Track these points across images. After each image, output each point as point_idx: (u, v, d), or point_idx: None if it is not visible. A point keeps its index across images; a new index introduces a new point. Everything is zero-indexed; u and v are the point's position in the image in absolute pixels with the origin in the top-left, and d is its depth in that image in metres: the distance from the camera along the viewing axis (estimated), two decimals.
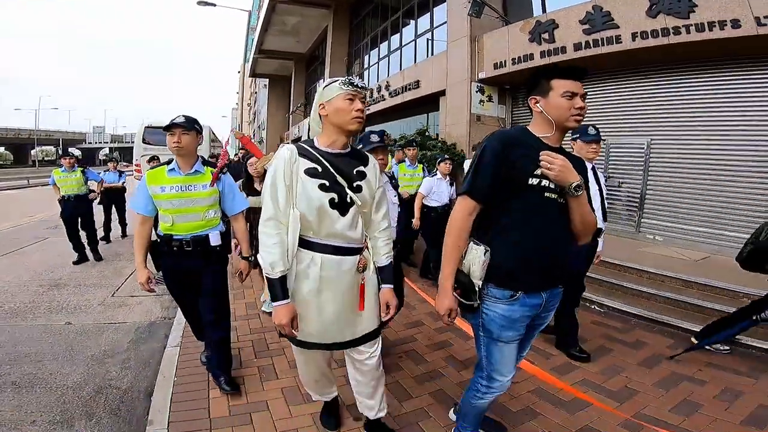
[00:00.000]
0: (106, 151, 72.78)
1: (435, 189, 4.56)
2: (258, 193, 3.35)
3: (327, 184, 1.60)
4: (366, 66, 15.20)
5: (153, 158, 7.03)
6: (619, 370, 2.81)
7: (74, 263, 5.54)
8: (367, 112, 7.71)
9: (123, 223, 7.43)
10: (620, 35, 5.22)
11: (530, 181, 1.51)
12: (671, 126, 5.38)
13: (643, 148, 5.61)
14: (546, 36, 6.16)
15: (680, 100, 5.28)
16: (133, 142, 11.15)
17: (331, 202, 1.61)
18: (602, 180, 2.91)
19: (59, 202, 5.58)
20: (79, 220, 5.64)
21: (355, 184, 1.66)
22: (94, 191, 6.00)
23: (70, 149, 6.60)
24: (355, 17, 15.85)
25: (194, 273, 2.46)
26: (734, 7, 4.29)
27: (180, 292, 2.57)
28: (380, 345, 1.88)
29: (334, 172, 1.61)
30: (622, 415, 2.19)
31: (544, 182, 1.51)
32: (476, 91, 7.57)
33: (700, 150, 5.13)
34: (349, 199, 1.64)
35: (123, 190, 7.33)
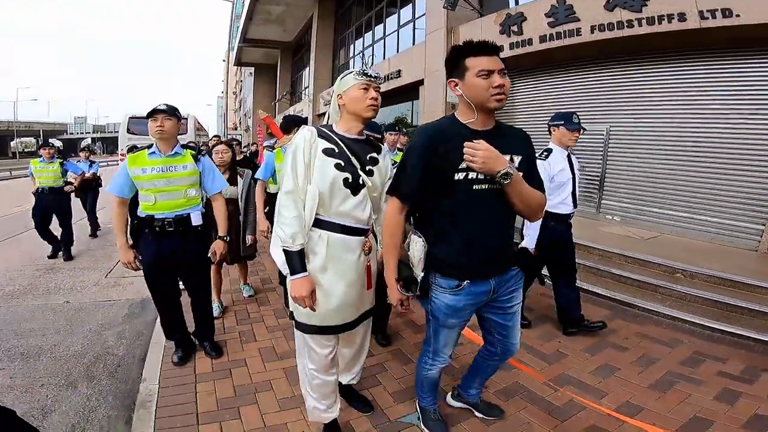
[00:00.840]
0: (88, 141, 71.56)
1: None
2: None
3: (342, 164, 1.69)
4: (351, 55, 15.35)
5: (132, 148, 6.88)
6: (553, 337, 3.16)
7: (49, 257, 5.30)
8: None
9: (93, 219, 6.78)
10: (581, 28, 5.57)
11: (456, 176, 1.51)
12: (628, 114, 5.75)
13: (603, 135, 5.99)
14: (515, 28, 6.48)
15: (636, 90, 5.66)
16: (115, 132, 11.30)
17: (345, 181, 1.69)
18: (576, 166, 3.01)
19: (33, 194, 5.33)
20: (54, 217, 5.33)
21: (367, 168, 1.75)
22: (72, 183, 5.66)
23: (50, 140, 6.23)
24: (341, 6, 15.97)
25: (175, 255, 2.55)
26: (682, 1, 4.62)
27: (158, 280, 2.62)
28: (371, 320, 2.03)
29: (349, 153, 1.71)
30: (541, 378, 2.48)
31: (471, 175, 1.49)
32: None
33: (654, 136, 5.51)
34: (361, 181, 1.73)
35: (96, 180, 6.78)
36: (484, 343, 1.94)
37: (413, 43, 10.10)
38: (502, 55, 4.55)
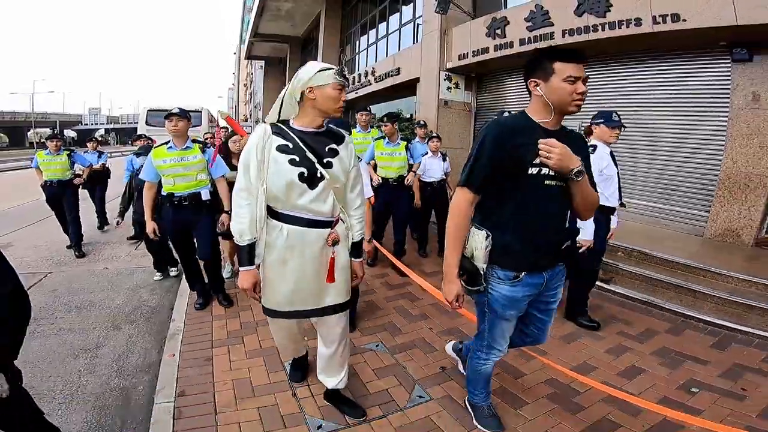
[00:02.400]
0: (102, 131, 72.93)
1: (428, 167, 4.81)
2: (235, 168, 3.60)
3: (297, 159, 1.72)
4: (356, 51, 15.91)
5: (139, 137, 6.71)
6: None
7: (68, 247, 5.29)
8: (355, 96, 11.91)
9: (102, 212, 6.51)
10: (554, 32, 6.11)
11: (530, 171, 1.54)
12: (595, 111, 6.32)
13: (575, 129, 6.56)
14: (499, 31, 7.03)
15: (603, 89, 6.23)
16: (129, 123, 11.96)
17: (300, 175, 1.72)
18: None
19: (42, 187, 5.21)
20: (63, 209, 5.23)
21: (325, 160, 1.77)
22: (80, 176, 5.46)
23: (66, 131, 6.14)
24: (347, 4, 16.41)
25: (189, 224, 3.32)
26: (639, 6, 5.10)
27: (178, 241, 3.42)
28: (347, 319, 2.05)
29: (305, 148, 1.73)
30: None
31: (544, 170, 1.53)
32: (444, 79, 8.49)
33: (634, 131, 5.94)
34: (319, 174, 1.75)
35: (105, 172, 6.57)
36: (519, 333, 1.97)
37: (413, 42, 10.67)
38: (488, 56, 5.90)
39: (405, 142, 4.57)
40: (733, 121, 4.87)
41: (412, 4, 11.12)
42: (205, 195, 3.32)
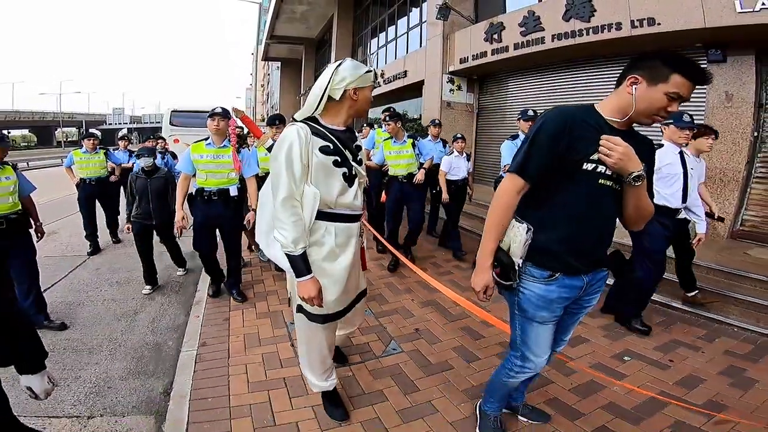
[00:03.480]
0: (124, 131, 75.02)
1: (453, 165, 4.97)
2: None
3: (339, 159, 1.71)
4: (368, 54, 16.42)
5: (150, 137, 6.97)
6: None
7: (89, 254, 5.25)
8: None
9: (113, 222, 5.86)
10: (545, 37, 6.53)
11: (585, 166, 1.44)
12: None
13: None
14: (496, 36, 7.48)
15: (590, 90, 6.63)
16: (151, 123, 12.51)
17: (344, 176, 1.73)
18: (691, 164, 3.04)
19: (77, 186, 5.33)
20: (99, 202, 5.45)
21: (357, 158, 1.82)
22: (114, 174, 5.62)
23: (90, 130, 6.20)
24: (359, 7, 16.98)
25: (217, 218, 3.49)
26: (619, 11, 5.48)
27: (202, 235, 3.54)
28: None
29: (342, 148, 1.73)
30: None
31: (600, 168, 1.43)
32: (447, 81, 8.98)
33: None
34: (354, 172, 1.78)
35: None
36: None
37: (420, 46, 11.15)
38: (485, 60, 6.56)
39: (411, 140, 4.60)
40: (709, 120, 5.22)
41: (419, 8, 11.60)
42: (234, 192, 3.50)
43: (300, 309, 1.88)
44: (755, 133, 5.01)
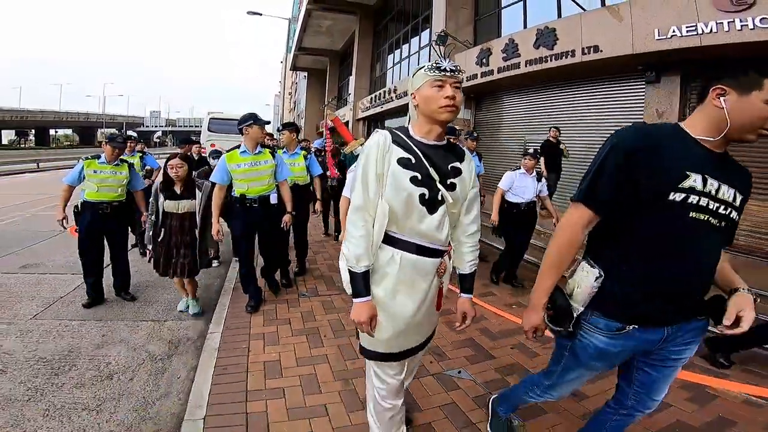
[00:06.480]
0: (159, 134, 79.44)
1: (517, 184, 4.25)
2: (176, 197, 3.32)
3: (419, 177, 1.46)
4: (383, 69, 17.73)
5: (188, 140, 6.54)
6: None
7: (84, 306, 3.75)
8: (380, 110, 14.70)
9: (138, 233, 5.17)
10: (520, 62, 7.73)
11: (672, 196, 1.18)
12: (561, 125, 7.82)
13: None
14: (485, 60, 8.72)
15: (563, 107, 7.81)
16: (186, 127, 13.57)
17: (421, 197, 1.47)
18: None
19: (77, 214, 4.63)
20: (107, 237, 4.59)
21: (448, 182, 1.52)
22: (150, 178, 5.56)
23: (128, 132, 6.53)
24: (378, 24, 18.32)
25: (258, 224, 3.49)
26: (574, 41, 6.61)
27: (244, 240, 3.49)
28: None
29: (427, 165, 1.48)
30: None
31: (693, 198, 1.18)
32: None
33: (578, 140, 7.52)
34: (440, 197, 1.49)
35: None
36: (615, 394, 1.59)
37: None
38: (475, 82, 7.86)
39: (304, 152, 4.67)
40: None
41: (428, 30, 12.91)
42: (273, 199, 3.50)
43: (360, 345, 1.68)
44: None
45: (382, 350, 1.63)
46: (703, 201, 1.20)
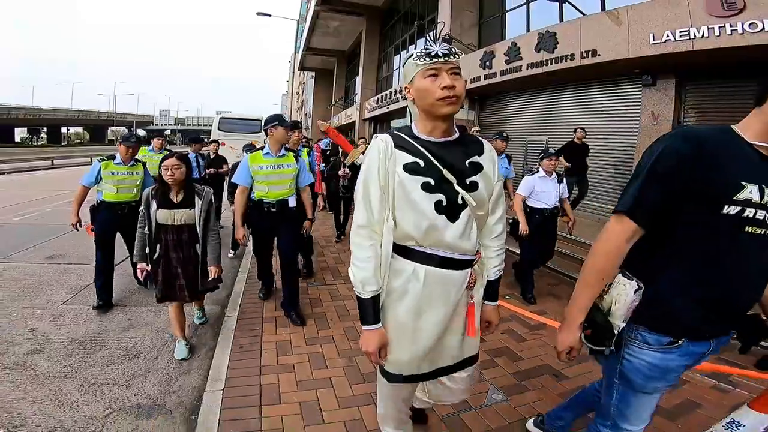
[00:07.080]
0: (168, 132, 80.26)
1: (538, 189, 3.96)
2: (172, 206, 2.73)
3: (432, 182, 1.28)
4: (390, 70, 17.92)
5: (197, 139, 6.54)
6: None
7: (95, 308, 3.67)
8: (386, 110, 14.64)
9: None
10: (522, 65, 7.94)
11: (726, 209, 1.08)
12: (557, 127, 8.08)
13: (543, 144, 8.23)
14: (488, 63, 8.94)
15: (561, 109, 8.01)
16: (193, 125, 13.75)
17: (438, 205, 1.29)
18: None
19: (94, 211, 4.65)
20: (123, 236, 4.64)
21: (468, 181, 1.32)
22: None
23: (138, 130, 6.46)
24: (385, 25, 18.55)
25: (274, 229, 3.40)
26: (573, 45, 6.82)
27: (262, 244, 3.56)
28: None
29: (440, 166, 1.28)
30: None
31: (749, 212, 1.08)
32: None
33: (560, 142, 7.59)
34: (460, 200, 1.31)
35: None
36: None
37: None
38: (478, 84, 8.17)
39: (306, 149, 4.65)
40: (642, 136, 6.55)
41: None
42: (292, 203, 3.41)
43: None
44: None
45: (404, 373, 1.44)
46: (760, 214, 1.09)
